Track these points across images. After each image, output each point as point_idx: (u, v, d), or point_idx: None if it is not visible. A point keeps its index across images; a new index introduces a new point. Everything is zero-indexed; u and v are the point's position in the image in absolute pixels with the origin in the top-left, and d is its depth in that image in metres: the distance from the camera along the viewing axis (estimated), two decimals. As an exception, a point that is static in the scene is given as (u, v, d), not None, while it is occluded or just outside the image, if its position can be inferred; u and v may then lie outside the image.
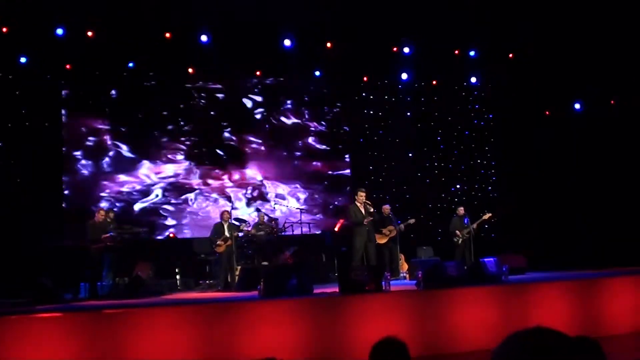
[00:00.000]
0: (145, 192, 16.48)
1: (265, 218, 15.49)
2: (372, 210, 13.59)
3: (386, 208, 15.10)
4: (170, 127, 16.85)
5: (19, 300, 10.56)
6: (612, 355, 3.07)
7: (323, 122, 18.19)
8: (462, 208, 15.57)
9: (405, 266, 14.95)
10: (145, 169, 16.53)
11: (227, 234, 13.73)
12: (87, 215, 13.97)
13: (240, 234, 14.36)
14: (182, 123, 16.96)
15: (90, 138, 16.19)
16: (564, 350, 1.99)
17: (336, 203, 17.80)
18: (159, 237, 16.28)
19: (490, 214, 15.31)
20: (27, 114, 15.34)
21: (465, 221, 15.12)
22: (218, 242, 13.64)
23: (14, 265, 13.12)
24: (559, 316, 9.75)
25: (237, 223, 14.46)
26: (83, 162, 16.08)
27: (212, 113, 17.28)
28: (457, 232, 15.14)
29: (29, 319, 8.03)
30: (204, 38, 15.82)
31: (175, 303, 10.41)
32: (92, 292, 12.17)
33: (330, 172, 18.06)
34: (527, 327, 2.03)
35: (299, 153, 17.93)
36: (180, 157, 16.82)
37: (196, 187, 16.89)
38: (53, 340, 7.74)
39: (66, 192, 15.84)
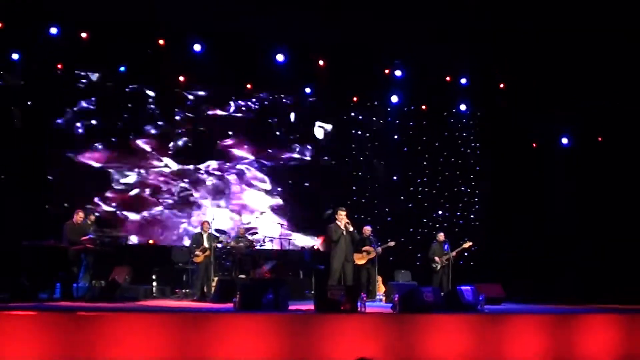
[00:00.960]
0: (131, 195, 16.42)
1: (244, 229, 15.50)
2: (352, 229, 13.56)
3: (367, 229, 15.08)
4: (157, 132, 16.83)
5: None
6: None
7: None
8: (442, 234, 15.55)
9: (382, 288, 14.91)
10: (131, 173, 16.48)
11: (206, 244, 13.68)
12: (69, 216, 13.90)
13: (220, 245, 14.32)
14: (170, 128, 16.97)
15: (78, 139, 16.14)
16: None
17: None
18: (138, 243, 16.20)
19: (470, 243, 15.33)
20: (13, 112, 15.26)
21: (445, 248, 15.11)
22: (196, 252, 13.58)
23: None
24: (532, 349, 9.76)
25: (217, 234, 14.43)
26: (69, 163, 16.01)
27: (201, 123, 17.32)
28: (436, 258, 15.10)
29: (3, 315, 7.99)
30: (197, 47, 15.85)
31: (149, 310, 10.37)
32: (65, 293, 12.06)
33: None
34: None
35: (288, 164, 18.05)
36: (164, 163, 16.78)
37: (181, 193, 16.85)
38: (26, 338, 7.70)
39: (50, 192, 15.74)
